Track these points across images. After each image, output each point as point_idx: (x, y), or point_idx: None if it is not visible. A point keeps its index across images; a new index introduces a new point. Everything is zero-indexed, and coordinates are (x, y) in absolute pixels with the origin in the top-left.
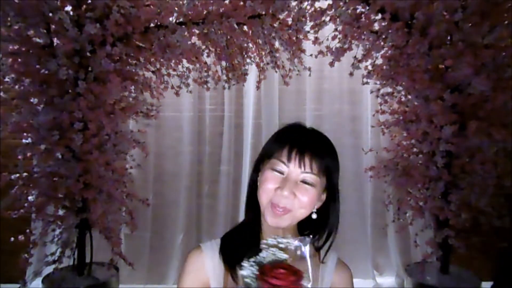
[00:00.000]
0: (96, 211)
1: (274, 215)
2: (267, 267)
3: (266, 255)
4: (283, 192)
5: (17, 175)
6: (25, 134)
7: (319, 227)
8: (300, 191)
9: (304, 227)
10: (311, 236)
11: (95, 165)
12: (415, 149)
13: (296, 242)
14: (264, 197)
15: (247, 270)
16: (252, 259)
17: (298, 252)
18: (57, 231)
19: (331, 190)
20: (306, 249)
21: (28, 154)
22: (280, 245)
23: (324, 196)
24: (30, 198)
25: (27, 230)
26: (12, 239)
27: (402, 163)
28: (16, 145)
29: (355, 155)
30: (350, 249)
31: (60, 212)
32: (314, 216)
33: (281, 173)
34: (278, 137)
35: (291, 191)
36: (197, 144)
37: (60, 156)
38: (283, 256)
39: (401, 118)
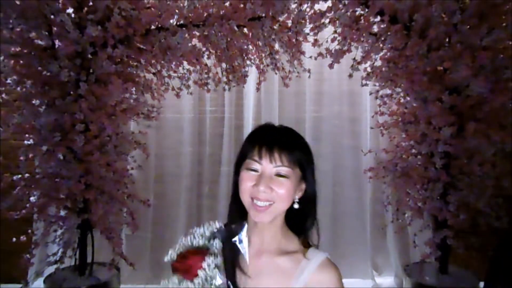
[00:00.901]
0: (97, 211)
1: (257, 212)
2: (184, 252)
3: (191, 242)
4: (260, 187)
5: (19, 176)
6: (27, 135)
7: (304, 219)
8: (276, 185)
9: (292, 221)
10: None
11: (97, 166)
12: (413, 150)
13: (214, 231)
14: (244, 196)
15: (168, 256)
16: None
17: (213, 242)
18: (59, 232)
19: (307, 180)
20: (217, 242)
21: (30, 155)
22: (206, 233)
23: (303, 186)
24: (32, 198)
25: (29, 231)
26: (14, 239)
27: (401, 164)
28: (18, 146)
29: (354, 156)
30: (350, 249)
31: (62, 213)
32: (296, 206)
33: (256, 170)
34: (249, 138)
35: (267, 185)
36: (198, 145)
37: (61, 157)
38: (201, 242)
39: (400, 119)
